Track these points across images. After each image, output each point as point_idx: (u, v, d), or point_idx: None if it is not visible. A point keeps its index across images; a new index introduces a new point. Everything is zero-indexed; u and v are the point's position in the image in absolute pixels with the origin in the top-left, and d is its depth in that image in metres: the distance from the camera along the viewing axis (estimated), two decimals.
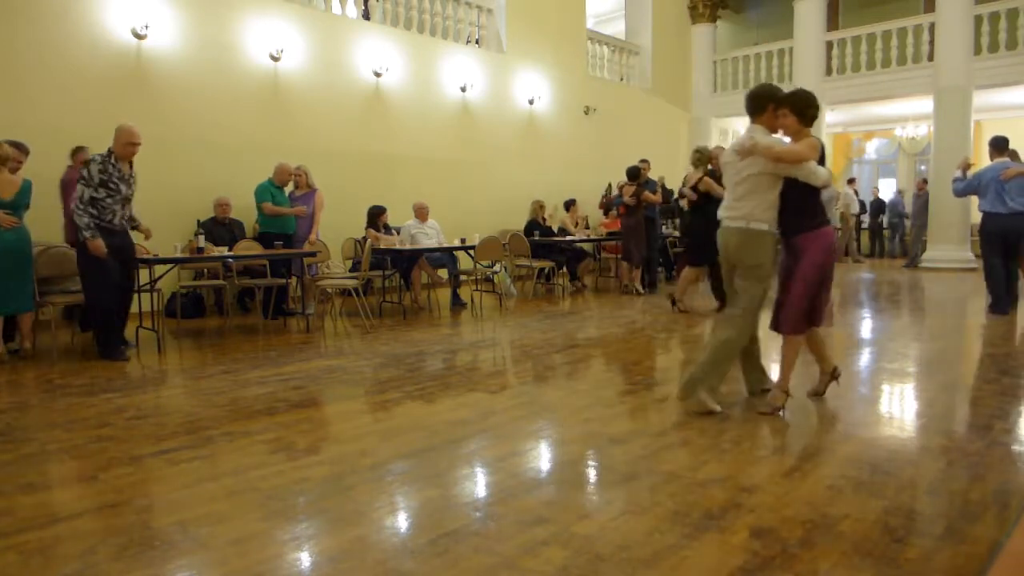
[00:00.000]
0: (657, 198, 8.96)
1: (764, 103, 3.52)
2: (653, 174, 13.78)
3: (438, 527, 2.25)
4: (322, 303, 7.47)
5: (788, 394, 3.56)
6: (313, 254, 6.98)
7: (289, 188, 7.40)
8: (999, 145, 6.91)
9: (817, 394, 3.80)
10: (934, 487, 2.57)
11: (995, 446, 3.04)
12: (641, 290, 8.86)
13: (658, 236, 9.49)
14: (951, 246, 11.75)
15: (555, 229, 10.15)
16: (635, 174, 8.78)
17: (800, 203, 3.44)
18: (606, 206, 11.18)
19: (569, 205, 10.69)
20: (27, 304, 5.18)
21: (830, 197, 9.25)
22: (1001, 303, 6.78)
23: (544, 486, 2.67)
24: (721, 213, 3.65)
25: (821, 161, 3.42)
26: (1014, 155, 6.99)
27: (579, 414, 3.65)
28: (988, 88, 11.95)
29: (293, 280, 7.28)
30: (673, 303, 7.30)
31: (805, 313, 3.48)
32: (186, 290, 7.31)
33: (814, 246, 3.41)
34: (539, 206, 9.85)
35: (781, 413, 3.51)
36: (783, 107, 3.46)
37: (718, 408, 3.51)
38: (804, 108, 3.44)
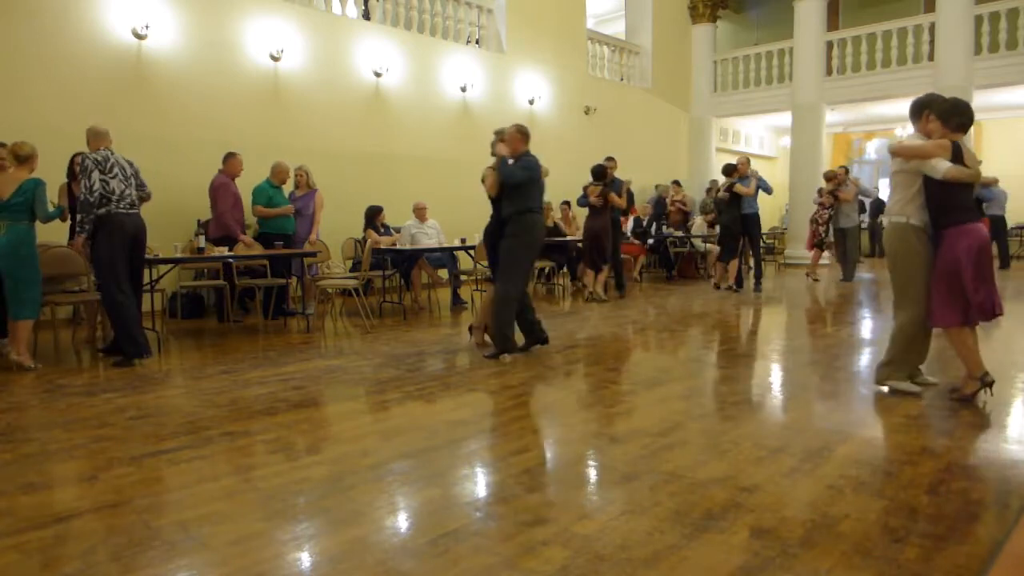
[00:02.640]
0: (622, 202, 8.42)
1: (920, 110, 3.79)
2: (653, 176, 13.75)
3: (438, 527, 2.25)
4: (322, 303, 7.47)
5: (981, 380, 3.65)
6: (313, 254, 6.98)
7: (289, 188, 7.40)
8: None
9: (965, 398, 3.72)
10: (934, 487, 2.57)
11: (995, 446, 3.04)
12: (604, 296, 8.22)
13: (620, 239, 8.90)
14: None
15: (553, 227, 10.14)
16: (601, 173, 8.19)
17: (944, 200, 3.63)
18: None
19: (562, 206, 10.68)
20: (23, 311, 4.76)
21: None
22: None
23: (544, 486, 2.67)
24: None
25: (959, 160, 3.56)
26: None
27: (579, 414, 3.65)
28: (988, 88, 11.95)
29: (293, 280, 7.28)
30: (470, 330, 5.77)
31: (950, 305, 3.62)
32: (186, 290, 7.31)
33: (952, 240, 3.60)
34: (547, 208, 9.81)
35: (986, 395, 3.70)
36: (931, 112, 3.71)
37: (915, 389, 3.81)
38: (948, 114, 3.66)
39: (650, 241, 11.38)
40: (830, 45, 13.52)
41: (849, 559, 2.01)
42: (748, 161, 9.48)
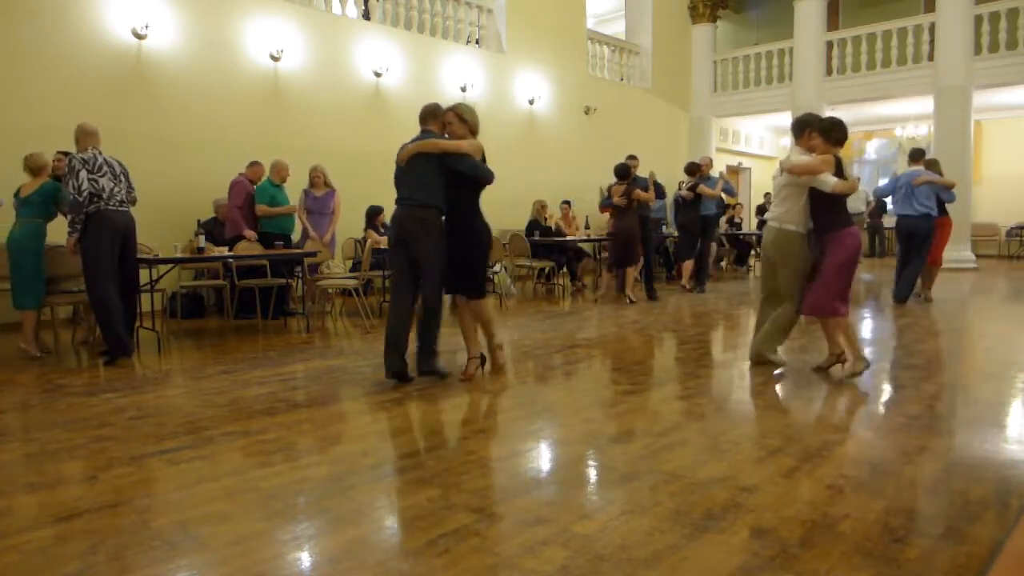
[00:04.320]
0: (650, 196, 8.22)
1: (802, 128, 4.26)
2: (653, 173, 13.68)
3: (438, 527, 2.25)
4: (321, 303, 7.46)
5: (865, 361, 4.18)
6: (313, 254, 6.97)
7: (291, 186, 7.40)
8: (915, 156, 7.74)
9: (820, 369, 4.40)
10: (934, 487, 2.57)
11: (995, 446, 3.04)
12: (633, 298, 8.11)
13: (652, 237, 8.74)
14: (951, 245, 11.71)
15: (554, 228, 10.14)
16: (624, 172, 8.04)
17: (826, 208, 4.13)
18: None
19: (562, 206, 10.69)
20: (26, 302, 5.19)
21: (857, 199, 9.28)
22: (901, 292, 7.61)
23: (544, 486, 2.67)
24: (767, 216, 4.51)
25: (840, 173, 4.05)
26: (932, 164, 7.62)
27: (579, 414, 3.65)
28: (988, 88, 11.96)
29: (295, 280, 7.29)
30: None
31: (842, 296, 4.11)
32: (186, 290, 7.31)
33: (838, 242, 4.10)
34: (541, 206, 9.83)
35: (861, 378, 4.15)
36: (813, 130, 4.16)
37: (784, 359, 4.51)
38: (828, 130, 4.10)
39: None
40: (830, 45, 13.53)
41: (849, 559, 2.01)
42: (711, 162, 9.56)
